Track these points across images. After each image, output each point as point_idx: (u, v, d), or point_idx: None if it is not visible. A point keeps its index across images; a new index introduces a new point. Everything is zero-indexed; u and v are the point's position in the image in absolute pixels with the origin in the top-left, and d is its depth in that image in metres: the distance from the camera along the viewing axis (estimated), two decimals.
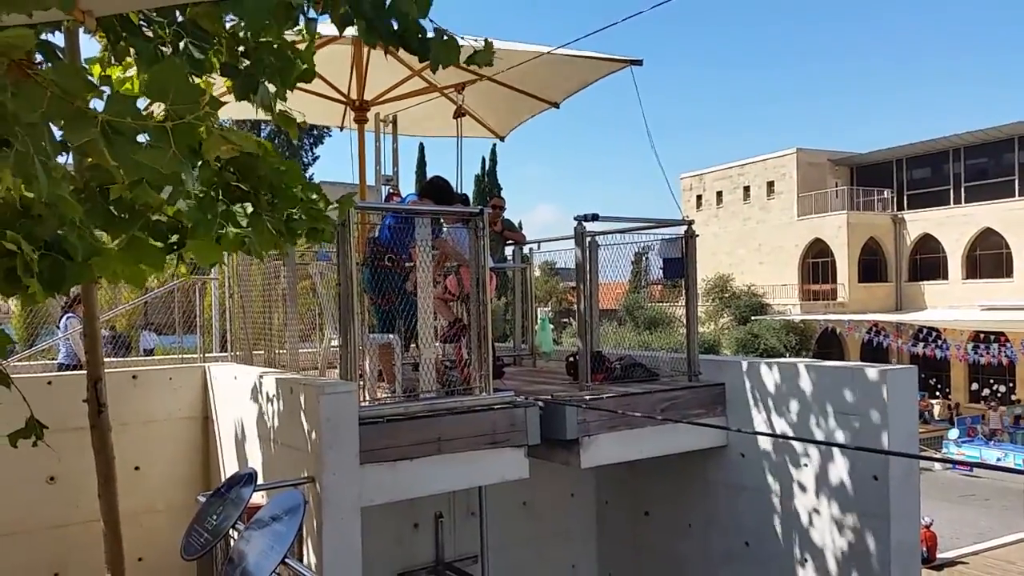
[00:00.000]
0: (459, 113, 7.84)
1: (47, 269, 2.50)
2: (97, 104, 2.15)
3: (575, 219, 6.12)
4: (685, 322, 6.61)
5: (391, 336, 5.55)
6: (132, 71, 3.79)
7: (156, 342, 12.42)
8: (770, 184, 39.48)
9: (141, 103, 2.21)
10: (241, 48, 3.20)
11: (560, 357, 8.32)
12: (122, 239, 2.61)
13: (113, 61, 3.71)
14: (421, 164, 36.26)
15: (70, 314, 9.33)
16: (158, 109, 2.24)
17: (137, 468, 6.80)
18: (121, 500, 4.64)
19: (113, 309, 12.55)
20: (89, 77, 2.27)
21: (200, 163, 2.53)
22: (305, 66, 3.21)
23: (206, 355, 8.31)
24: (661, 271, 6.86)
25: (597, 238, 6.53)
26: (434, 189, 6.10)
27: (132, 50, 3.17)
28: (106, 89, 3.64)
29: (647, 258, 7.15)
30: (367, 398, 5.20)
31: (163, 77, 2.15)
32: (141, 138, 2.11)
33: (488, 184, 36.05)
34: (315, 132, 35.49)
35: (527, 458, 5.50)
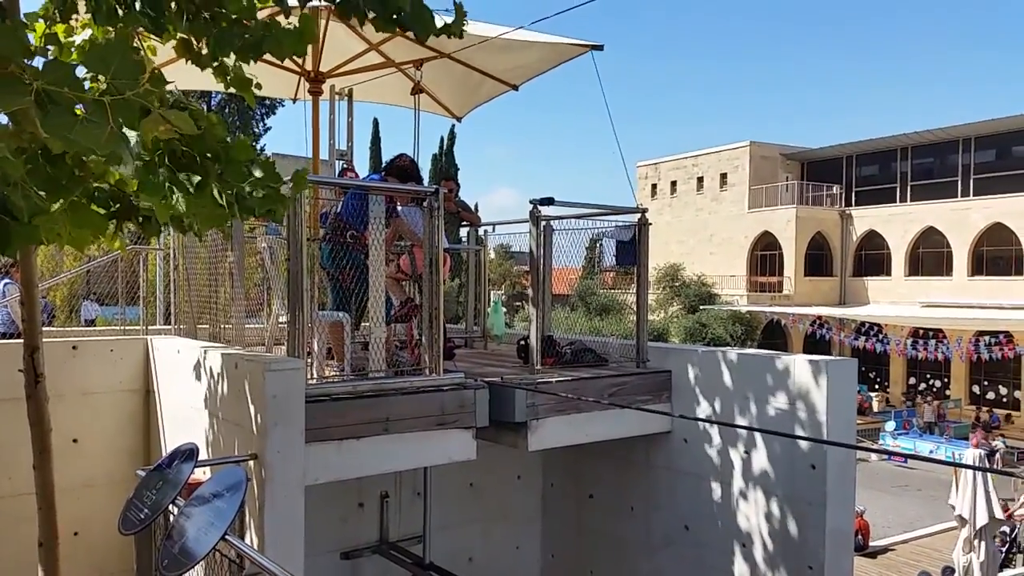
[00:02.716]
0: (416, 90, 7.75)
1: None
2: (38, 62, 2.05)
3: (531, 202, 6.12)
4: (635, 309, 6.68)
5: (340, 314, 5.49)
6: (80, 37, 3.64)
7: (98, 312, 12.06)
8: (723, 176, 39.99)
9: (80, 72, 2.11)
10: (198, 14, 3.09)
11: (512, 340, 8.34)
12: (62, 204, 2.51)
13: (59, 19, 3.56)
14: (376, 140, 35.87)
15: (7, 280, 9.02)
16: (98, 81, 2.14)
17: (75, 441, 6.62)
18: (58, 473, 4.50)
19: (55, 277, 12.18)
20: (29, 36, 2.17)
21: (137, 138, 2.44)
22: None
23: (149, 327, 8.11)
24: (614, 257, 6.91)
25: (552, 223, 6.54)
26: (399, 170, 6.00)
27: (84, 2, 3.04)
28: (50, 48, 3.50)
29: (600, 245, 7.19)
30: (315, 376, 5.15)
31: (105, 49, 2.06)
32: (79, 108, 2.02)
33: (445, 164, 35.79)
34: (267, 103, 34.73)
35: (475, 440, 5.51)
